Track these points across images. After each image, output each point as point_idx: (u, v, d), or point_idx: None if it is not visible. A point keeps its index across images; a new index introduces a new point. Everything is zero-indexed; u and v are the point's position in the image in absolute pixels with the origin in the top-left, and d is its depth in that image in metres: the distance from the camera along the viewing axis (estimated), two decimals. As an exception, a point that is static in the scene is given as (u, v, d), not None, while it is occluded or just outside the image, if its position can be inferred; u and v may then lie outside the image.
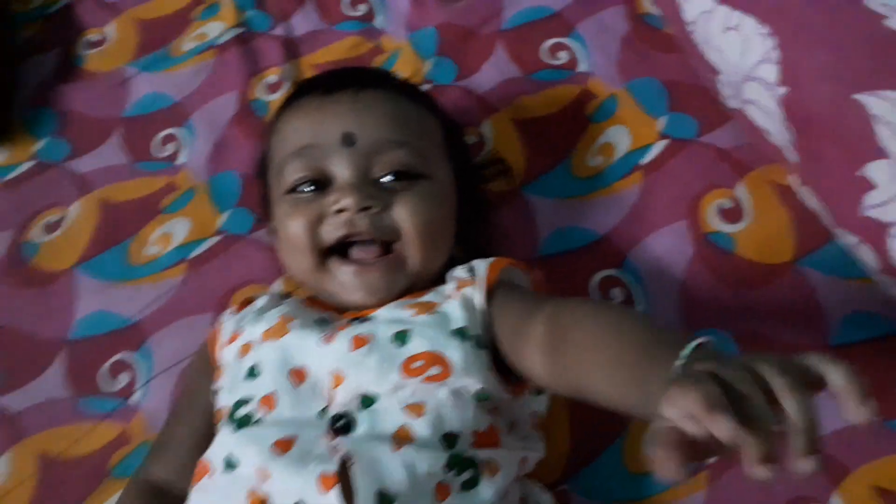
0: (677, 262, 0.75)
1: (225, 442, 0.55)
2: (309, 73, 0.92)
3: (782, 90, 0.66)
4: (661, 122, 0.81)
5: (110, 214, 0.86)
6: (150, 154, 0.90)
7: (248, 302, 0.68)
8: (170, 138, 0.91)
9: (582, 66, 0.87)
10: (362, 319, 0.59)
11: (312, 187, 0.64)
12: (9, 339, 0.80)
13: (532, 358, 0.52)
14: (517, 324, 0.55)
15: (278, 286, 0.78)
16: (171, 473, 0.62)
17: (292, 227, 0.63)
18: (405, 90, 0.71)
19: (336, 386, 0.55)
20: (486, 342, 0.57)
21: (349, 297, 0.62)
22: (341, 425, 0.52)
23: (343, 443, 0.51)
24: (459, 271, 0.62)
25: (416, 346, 0.55)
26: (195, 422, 0.64)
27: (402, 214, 0.62)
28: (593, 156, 0.82)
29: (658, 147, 0.80)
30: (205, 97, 0.93)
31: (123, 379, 0.76)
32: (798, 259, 0.73)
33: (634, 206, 0.78)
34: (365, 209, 0.61)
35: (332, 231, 0.62)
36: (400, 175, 0.64)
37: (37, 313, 0.81)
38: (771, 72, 0.66)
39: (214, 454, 0.55)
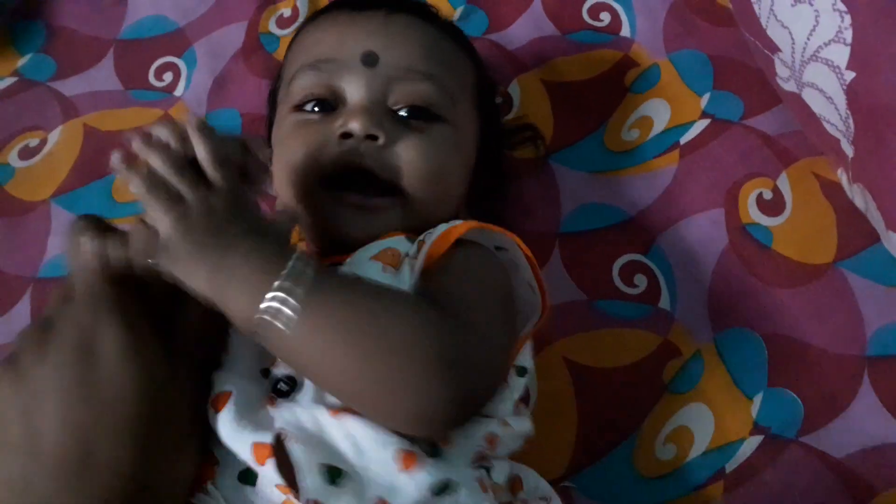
0: (709, 252, 0.70)
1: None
2: (325, 10, 0.85)
3: (850, 75, 0.60)
4: (705, 100, 0.76)
5: (96, 144, 0.79)
6: (146, 82, 0.83)
7: None
8: (168, 66, 0.84)
9: (624, 31, 0.81)
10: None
11: (319, 108, 0.58)
12: (-29, 270, 0.73)
13: None
14: None
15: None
16: None
17: (291, 148, 0.57)
18: (441, 23, 0.65)
19: None
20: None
21: (340, 230, 0.56)
22: (283, 389, 0.47)
23: (282, 408, 0.46)
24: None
25: None
26: None
27: (409, 155, 0.56)
28: (629, 129, 0.76)
29: (699, 126, 0.75)
30: (210, 25, 0.86)
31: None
32: (838, 260, 0.68)
33: (668, 187, 0.73)
34: (371, 138, 0.56)
35: (336, 156, 0.56)
36: (418, 111, 0.58)
37: (5, 246, 0.75)
38: (841, 54, 0.60)
39: None
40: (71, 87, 0.83)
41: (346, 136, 0.56)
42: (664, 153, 0.74)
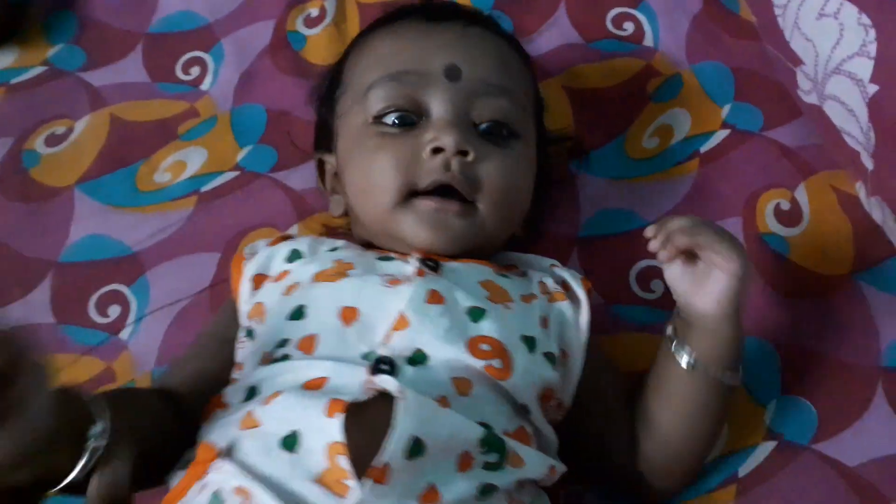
0: (727, 260, 0.70)
1: (253, 374, 0.50)
2: (353, 12, 0.86)
3: (873, 88, 0.61)
4: (726, 111, 0.77)
5: (122, 133, 0.80)
6: (173, 75, 0.84)
7: (284, 237, 0.62)
8: (196, 61, 0.85)
9: (648, 41, 0.82)
10: (434, 265, 0.55)
11: (400, 121, 0.58)
12: (-5, 251, 0.74)
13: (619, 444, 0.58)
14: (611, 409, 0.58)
15: (294, 232, 0.73)
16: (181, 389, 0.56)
17: (379, 163, 0.57)
18: (510, 37, 0.66)
19: (398, 328, 0.50)
20: (558, 363, 0.54)
21: (419, 237, 0.56)
22: (384, 369, 0.47)
23: (382, 380, 0.46)
24: (545, 276, 0.59)
25: (488, 328, 0.51)
26: (216, 357, 0.57)
27: (493, 172, 0.57)
28: (649, 136, 0.77)
29: (719, 136, 0.76)
30: (238, 22, 0.86)
31: (113, 312, 0.71)
32: (855, 273, 0.69)
33: (687, 195, 0.73)
34: (462, 153, 0.56)
35: (428, 173, 0.56)
36: (498, 127, 0.59)
37: (28, 229, 0.75)
38: (864, 67, 0.61)
39: (236, 386, 0.51)
40: (99, 77, 0.84)
41: (438, 150, 0.56)
42: (684, 161, 0.75)
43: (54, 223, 0.75)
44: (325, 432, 0.43)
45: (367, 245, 0.62)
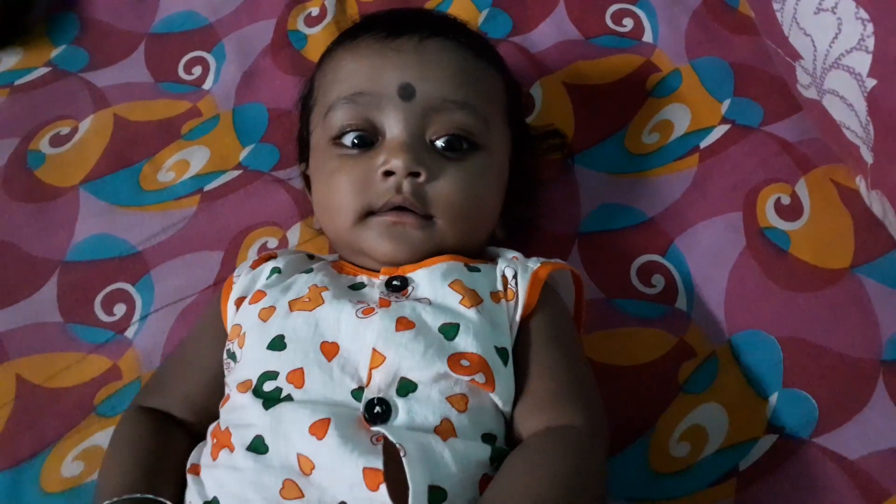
0: (727, 254, 0.70)
1: (256, 420, 0.50)
2: (353, 10, 0.87)
3: (871, 82, 0.61)
4: (725, 106, 0.77)
5: (125, 133, 0.81)
6: (176, 75, 0.85)
7: (266, 258, 0.62)
8: (198, 61, 0.86)
9: (647, 37, 0.82)
10: (401, 283, 0.55)
11: (358, 141, 0.59)
12: (1, 252, 0.74)
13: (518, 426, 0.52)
14: (531, 402, 0.53)
15: (295, 235, 0.74)
16: (176, 411, 0.58)
17: (336, 186, 0.59)
18: (475, 43, 0.65)
19: (375, 365, 0.50)
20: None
21: (379, 250, 0.57)
22: (379, 412, 0.48)
23: (384, 432, 0.46)
24: (508, 267, 0.57)
25: (464, 343, 0.51)
26: (195, 376, 0.59)
27: (448, 190, 0.57)
28: (649, 132, 0.77)
29: (719, 131, 0.76)
30: (239, 21, 0.87)
31: (119, 310, 0.71)
32: (856, 266, 0.69)
33: (688, 190, 0.74)
34: (413, 175, 0.56)
35: (381, 196, 0.57)
36: (457, 141, 0.59)
37: (34, 229, 0.76)
38: (862, 61, 0.61)
39: (240, 430, 0.50)
40: (102, 78, 0.84)
41: (389, 173, 0.57)
42: (684, 156, 0.75)
43: (60, 223, 0.76)
44: (374, 500, 0.44)
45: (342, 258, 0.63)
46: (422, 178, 0.57)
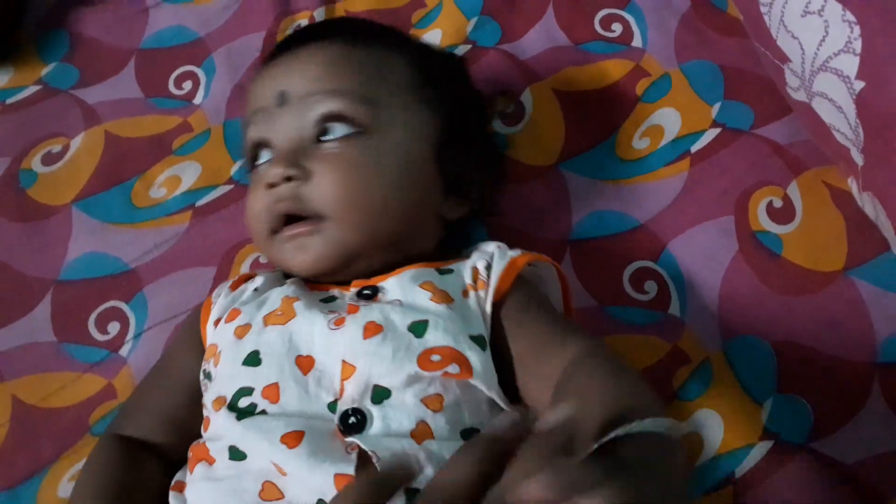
0: (719, 259, 0.70)
1: (227, 431, 0.50)
2: (341, 21, 0.86)
3: (859, 85, 0.61)
4: (716, 109, 0.76)
5: (117, 150, 0.81)
6: (166, 90, 0.85)
7: (245, 279, 0.62)
8: (188, 75, 0.85)
9: (636, 41, 0.82)
10: (372, 291, 0.55)
11: (257, 159, 0.61)
12: (-5, 272, 0.75)
13: (541, 397, 0.51)
14: (533, 361, 0.52)
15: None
16: (150, 434, 0.58)
17: (247, 212, 0.60)
18: (361, 33, 0.64)
19: (346, 377, 0.50)
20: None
21: (295, 265, 0.58)
22: (354, 423, 0.48)
23: (357, 442, 0.46)
24: (481, 259, 0.57)
25: (433, 338, 0.50)
26: (174, 391, 0.58)
27: (324, 182, 0.56)
28: (639, 137, 0.77)
29: (710, 135, 0.75)
30: (229, 35, 0.87)
31: (113, 329, 0.71)
32: (849, 269, 0.69)
33: (679, 195, 0.73)
34: (289, 179, 0.56)
35: (271, 210, 0.57)
36: (333, 129, 0.57)
37: (27, 249, 0.76)
38: (850, 64, 0.61)
39: (215, 442, 0.50)
40: (93, 94, 0.84)
41: (273, 185, 0.57)
42: (675, 161, 0.75)
43: (53, 242, 0.76)
44: None
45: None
46: (296, 181, 0.56)
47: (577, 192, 0.75)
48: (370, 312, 0.52)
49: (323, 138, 0.58)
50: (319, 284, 0.60)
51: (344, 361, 0.50)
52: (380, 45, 0.62)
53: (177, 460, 0.56)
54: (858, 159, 0.65)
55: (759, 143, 0.74)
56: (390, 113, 0.59)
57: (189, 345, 0.60)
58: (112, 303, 0.73)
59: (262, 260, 0.73)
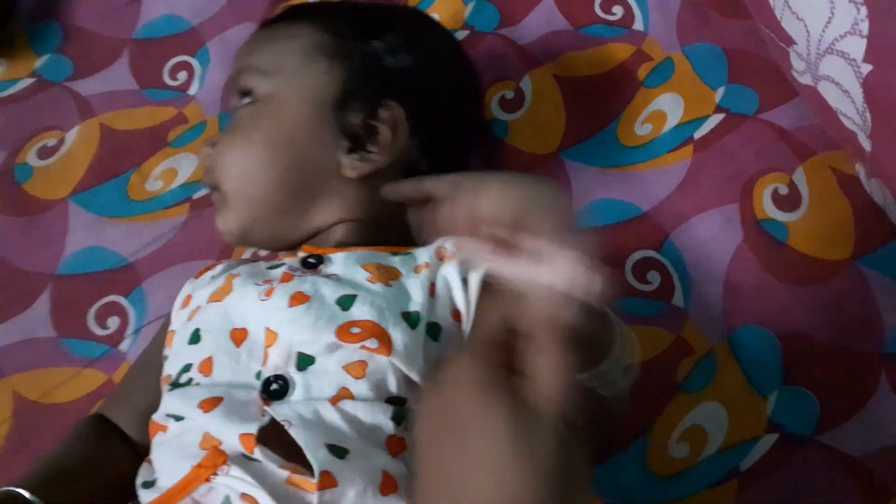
0: (724, 248, 0.69)
1: (164, 403, 0.52)
2: (337, 8, 0.85)
3: (866, 68, 0.59)
4: (719, 94, 0.75)
5: (112, 143, 0.80)
6: (160, 81, 0.84)
7: (209, 268, 0.62)
8: (182, 66, 0.84)
9: (637, 24, 0.80)
10: (317, 260, 0.55)
11: None
12: (-8, 268, 0.74)
13: None
14: None
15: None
16: (126, 426, 0.58)
17: None
18: (288, 14, 0.66)
19: (269, 344, 0.50)
20: (448, 334, 0.50)
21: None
22: (276, 389, 0.48)
23: (280, 406, 0.47)
24: (449, 241, 0.54)
25: (358, 312, 0.49)
26: (150, 386, 0.57)
27: (217, 156, 0.59)
28: (642, 123, 0.75)
29: (714, 120, 0.74)
30: (223, 24, 0.85)
31: (112, 324, 0.71)
32: (857, 257, 0.68)
33: (682, 182, 0.72)
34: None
35: (203, 181, 0.63)
36: (244, 100, 0.60)
37: (24, 244, 0.76)
38: (857, 46, 0.59)
39: (160, 415, 0.52)
40: (87, 86, 0.83)
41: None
42: (678, 148, 0.73)
43: (50, 236, 0.76)
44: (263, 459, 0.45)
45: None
46: (209, 150, 0.60)
47: (578, 181, 0.73)
48: (301, 284, 0.51)
49: (236, 111, 0.61)
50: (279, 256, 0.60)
51: (268, 329, 0.50)
52: (291, 19, 0.64)
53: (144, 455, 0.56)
54: (866, 144, 0.63)
55: (764, 128, 0.73)
56: (282, 79, 0.59)
57: (165, 339, 0.60)
58: (111, 297, 0.72)
59: (262, 253, 0.73)
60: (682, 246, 0.69)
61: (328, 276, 0.53)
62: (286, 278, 0.52)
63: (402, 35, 0.62)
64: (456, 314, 0.52)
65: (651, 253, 0.70)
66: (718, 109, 0.74)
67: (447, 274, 0.52)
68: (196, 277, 0.61)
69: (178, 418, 0.50)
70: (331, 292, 0.51)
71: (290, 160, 0.58)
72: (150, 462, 0.52)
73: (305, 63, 0.60)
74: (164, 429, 0.51)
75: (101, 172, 0.78)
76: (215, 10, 0.87)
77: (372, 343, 0.48)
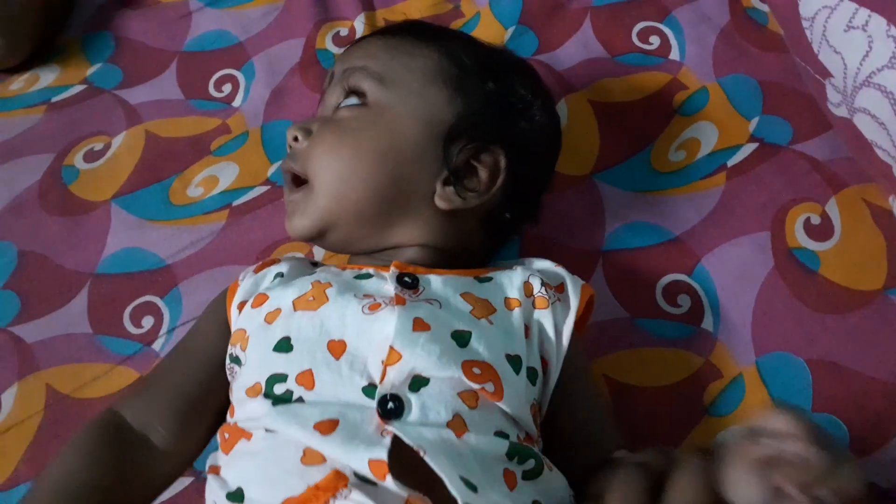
0: (755, 275, 0.69)
1: (262, 416, 0.50)
2: (381, 29, 0.87)
3: (903, 101, 0.60)
4: (754, 124, 0.76)
5: (156, 149, 0.82)
6: (206, 92, 0.86)
7: (270, 263, 0.62)
8: (228, 78, 0.87)
9: (674, 54, 0.82)
10: (412, 280, 0.54)
11: None
12: (35, 264, 0.76)
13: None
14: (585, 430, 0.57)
15: (321, 249, 0.74)
16: (152, 415, 0.55)
17: None
18: (408, 29, 0.66)
19: (391, 362, 0.50)
20: (539, 378, 0.54)
21: (287, 230, 0.61)
22: (392, 408, 0.47)
23: (402, 430, 0.46)
24: (534, 277, 0.56)
25: (475, 350, 0.51)
26: (197, 367, 0.58)
27: (312, 146, 0.60)
28: (676, 150, 0.77)
29: (747, 149, 0.75)
30: (269, 40, 0.88)
31: (147, 323, 0.72)
32: (888, 288, 0.67)
33: (714, 209, 0.73)
34: (295, 140, 0.61)
35: (283, 167, 0.63)
36: (351, 99, 0.61)
37: (67, 242, 0.77)
38: (894, 79, 0.60)
39: (249, 422, 0.50)
40: (135, 95, 0.86)
41: (290, 147, 0.62)
42: (711, 175, 0.74)
43: (92, 236, 0.77)
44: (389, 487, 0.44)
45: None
46: (300, 142, 0.60)
47: (610, 203, 0.74)
48: (417, 308, 0.52)
49: (341, 104, 0.61)
50: (356, 265, 0.60)
51: (391, 347, 0.50)
52: (414, 37, 0.64)
53: (164, 449, 0.55)
54: (900, 177, 0.64)
55: (798, 158, 0.74)
56: (401, 93, 0.60)
57: (214, 325, 0.60)
58: (147, 297, 0.73)
59: (318, 253, 0.74)
60: (713, 271, 0.70)
61: (430, 301, 0.53)
62: (399, 300, 0.52)
63: (523, 88, 0.64)
64: (544, 362, 0.55)
65: (682, 276, 0.70)
66: (752, 139, 0.75)
67: (542, 320, 0.55)
68: (256, 272, 0.61)
69: (269, 430, 0.49)
70: (447, 324, 0.51)
71: (392, 175, 0.58)
72: (217, 470, 0.51)
73: (427, 85, 0.61)
74: (248, 436, 0.50)
75: (145, 177, 0.80)
76: (262, 27, 0.89)
77: (489, 387, 0.49)
